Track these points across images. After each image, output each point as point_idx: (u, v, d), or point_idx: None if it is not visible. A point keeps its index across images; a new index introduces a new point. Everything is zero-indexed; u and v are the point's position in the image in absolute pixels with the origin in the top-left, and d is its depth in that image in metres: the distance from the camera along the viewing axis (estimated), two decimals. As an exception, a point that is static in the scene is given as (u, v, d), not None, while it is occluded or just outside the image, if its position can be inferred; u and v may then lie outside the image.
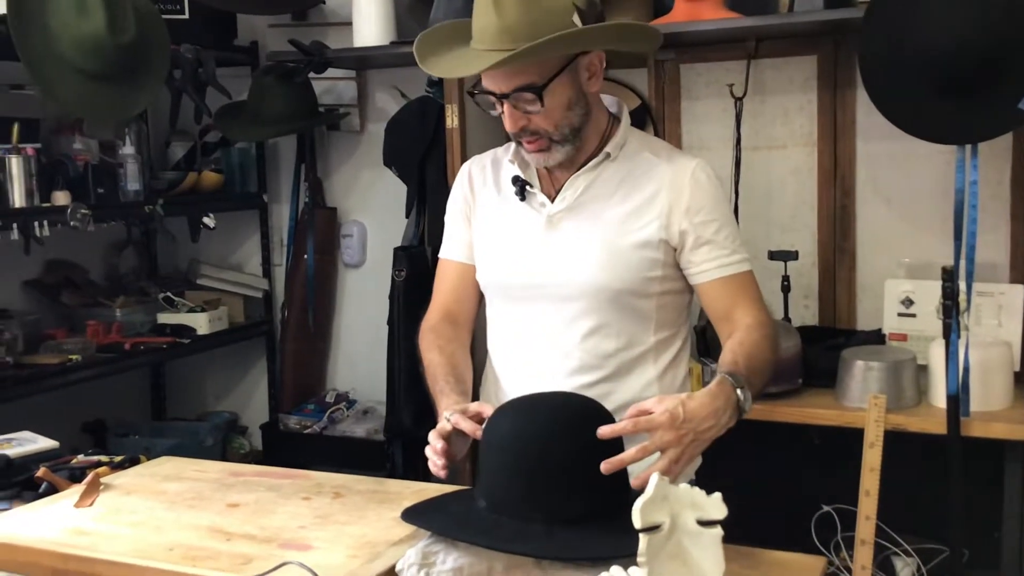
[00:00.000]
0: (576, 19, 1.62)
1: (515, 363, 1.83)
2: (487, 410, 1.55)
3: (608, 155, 1.75)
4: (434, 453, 1.54)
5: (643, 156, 1.77)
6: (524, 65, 1.61)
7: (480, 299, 1.91)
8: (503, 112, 1.68)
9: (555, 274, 1.74)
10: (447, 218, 1.94)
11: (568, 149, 1.71)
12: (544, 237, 1.77)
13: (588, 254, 1.73)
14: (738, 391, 1.54)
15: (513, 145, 1.81)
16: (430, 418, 1.72)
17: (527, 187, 1.78)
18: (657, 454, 1.45)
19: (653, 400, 1.51)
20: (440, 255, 1.95)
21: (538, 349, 1.77)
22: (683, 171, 1.74)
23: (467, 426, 1.54)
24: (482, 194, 1.87)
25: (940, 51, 2.27)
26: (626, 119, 1.80)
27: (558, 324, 1.75)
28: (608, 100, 1.81)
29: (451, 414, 1.58)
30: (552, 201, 1.77)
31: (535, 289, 1.77)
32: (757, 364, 1.63)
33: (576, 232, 1.75)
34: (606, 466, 1.37)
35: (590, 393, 1.64)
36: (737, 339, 1.68)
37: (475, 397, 1.81)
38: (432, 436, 1.57)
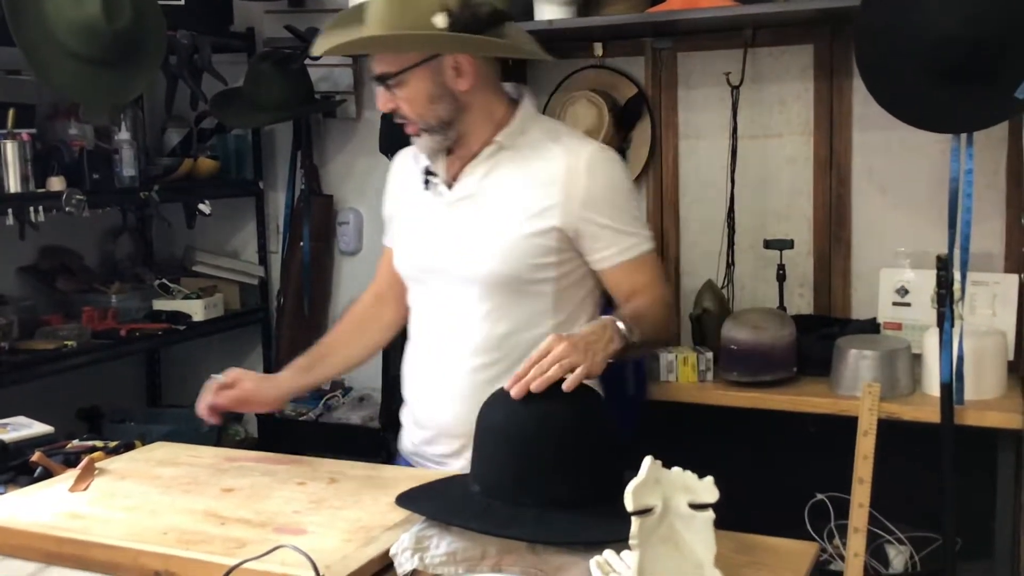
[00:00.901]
0: (440, 19, 1.69)
1: (422, 343, 1.94)
2: (245, 382, 1.87)
3: (500, 145, 1.82)
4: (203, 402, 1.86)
5: (543, 144, 1.82)
6: (384, 53, 1.75)
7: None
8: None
9: (452, 259, 1.83)
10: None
11: (439, 139, 1.80)
12: (443, 223, 1.85)
13: (481, 241, 1.80)
14: (617, 322, 1.63)
15: None
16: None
17: (431, 175, 1.88)
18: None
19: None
20: (384, 242, 2.09)
21: (441, 331, 1.88)
22: (579, 160, 1.79)
23: (208, 396, 1.86)
24: (405, 185, 1.97)
25: (936, 40, 2.26)
26: (527, 107, 1.86)
27: (457, 307, 1.84)
28: (511, 89, 1.88)
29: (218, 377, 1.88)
30: (450, 189, 1.85)
31: (435, 273, 1.87)
32: (642, 312, 1.73)
33: (472, 219, 1.82)
34: (515, 391, 1.44)
35: (487, 374, 1.79)
36: (632, 303, 1.78)
37: (387, 379, 2.06)
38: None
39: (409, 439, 2.00)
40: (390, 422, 3.26)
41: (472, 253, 1.80)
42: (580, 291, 1.86)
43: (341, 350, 2.05)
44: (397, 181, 2.01)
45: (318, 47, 1.81)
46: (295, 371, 1.98)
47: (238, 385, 1.88)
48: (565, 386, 1.47)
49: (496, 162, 1.82)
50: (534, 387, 1.44)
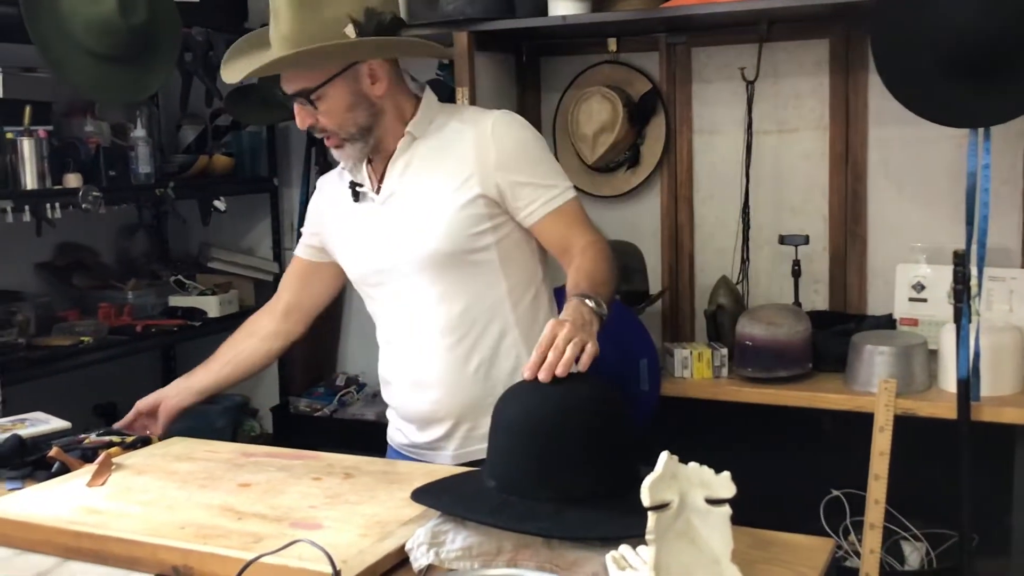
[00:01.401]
0: (350, 30, 1.74)
1: (392, 341, 1.98)
2: (164, 407, 2.06)
3: (412, 136, 1.88)
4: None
5: (450, 127, 1.89)
6: (299, 71, 1.78)
7: (323, 293, 2.11)
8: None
9: (396, 254, 1.88)
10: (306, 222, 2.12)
11: (360, 146, 1.86)
12: (379, 224, 1.91)
13: (416, 227, 1.85)
14: (587, 301, 1.66)
15: None
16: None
17: (358, 187, 1.94)
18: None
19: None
20: (295, 253, 2.15)
21: (405, 324, 1.92)
22: (484, 128, 1.85)
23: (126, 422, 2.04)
24: (334, 202, 2.01)
25: (953, 34, 2.25)
26: (429, 97, 1.92)
27: (414, 297, 1.89)
28: (414, 85, 1.93)
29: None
30: (378, 192, 1.91)
31: (384, 273, 1.92)
32: (599, 278, 1.77)
33: (403, 211, 1.88)
34: (543, 374, 1.46)
35: (458, 352, 1.87)
36: (575, 266, 1.82)
37: (374, 376, 2.13)
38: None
39: (400, 434, 2.03)
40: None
41: (412, 241, 1.85)
42: (524, 251, 1.91)
43: (228, 357, 2.14)
44: (324, 202, 2.05)
45: (230, 75, 1.87)
46: (192, 391, 2.12)
47: (161, 403, 2.06)
48: (581, 365, 1.50)
49: (412, 154, 1.88)
50: (559, 371, 1.47)
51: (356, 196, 1.94)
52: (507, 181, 1.83)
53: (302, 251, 2.11)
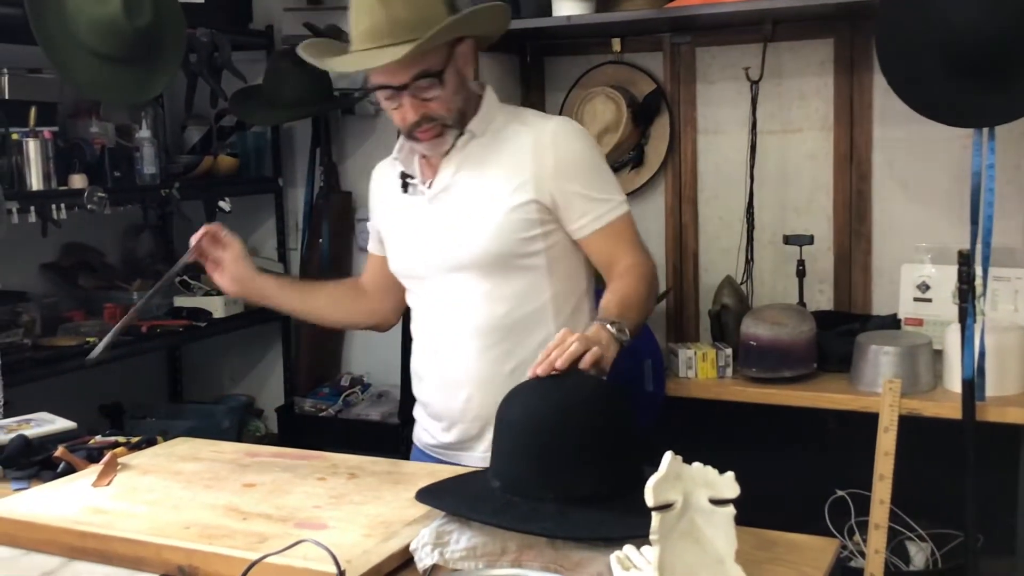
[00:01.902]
0: (445, 9, 1.75)
1: (427, 338, 1.97)
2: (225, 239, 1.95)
3: (472, 134, 1.85)
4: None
5: (510, 128, 1.87)
6: (422, 54, 1.71)
7: (390, 285, 2.04)
8: (399, 106, 1.78)
9: (443, 250, 1.86)
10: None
11: (456, 133, 1.83)
12: (428, 220, 1.89)
13: (467, 226, 1.84)
14: (608, 326, 1.66)
15: (398, 144, 1.94)
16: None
17: (408, 179, 1.92)
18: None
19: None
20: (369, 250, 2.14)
21: (444, 321, 1.90)
22: (544, 133, 1.84)
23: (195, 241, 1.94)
24: (387, 195, 2.00)
25: (958, 33, 2.25)
26: (491, 96, 1.90)
27: (456, 294, 1.87)
28: (473, 84, 1.91)
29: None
30: (429, 186, 1.89)
31: (430, 267, 1.90)
32: (631, 302, 1.76)
33: (455, 208, 1.86)
34: (541, 369, 1.49)
35: (494, 354, 1.85)
36: (611, 287, 1.82)
37: (406, 374, 2.15)
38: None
39: (427, 434, 2.02)
40: (410, 418, 3.28)
41: (461, 239, 1.84)
42: (572, 261, 1.90)
43: (322, 299, 2.11)
44: (379, 193, 2.04)
45: (355, 65, 1.79)
46: (274, 279, 2.07)
47: (227, 249, 1.98)
48: (583, 363, 1.51)
49: (468, 151, 1.86)
50: (560, 364, 1.48)
51: (405, 187, 1.92)
52: (561, 190, 1.81)
53: (371, 245, 2.11)
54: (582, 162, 1.85)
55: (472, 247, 1.83)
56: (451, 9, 1.76)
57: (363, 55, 1.75)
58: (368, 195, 2.10)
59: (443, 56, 1.75)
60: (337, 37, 3.18)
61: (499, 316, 1.85)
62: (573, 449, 1.38)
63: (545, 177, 1.81)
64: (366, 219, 3.58)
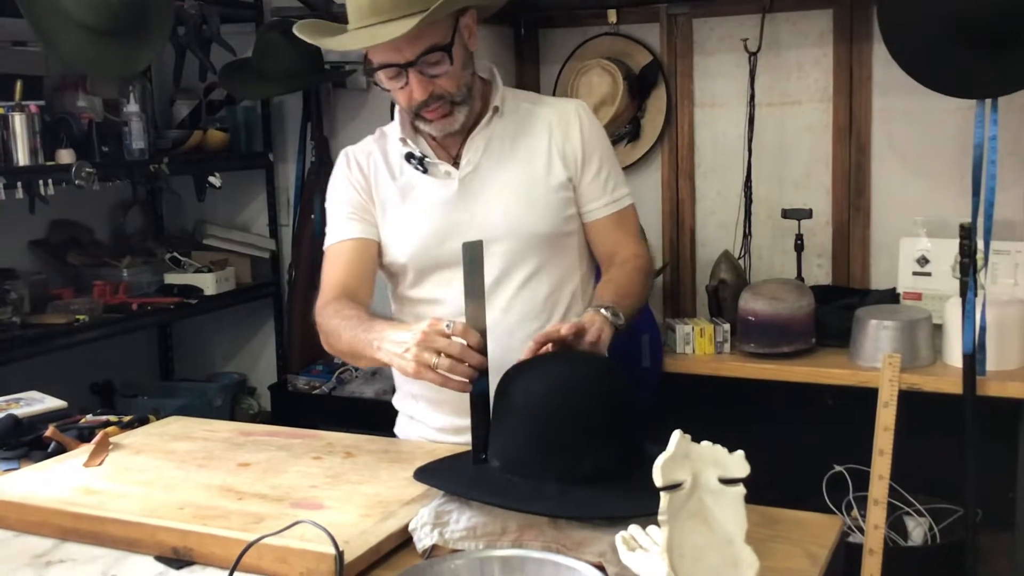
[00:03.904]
0: None
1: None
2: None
3: (496, 110, 1.80)
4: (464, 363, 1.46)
5: (523, 108, 1.83)
6: (427, 28, 1.62)
7: (371, 273, 1.85)
8: (404, 85, 1.68)
9: (481, 232, 1.69)
10: (329, 206, 1.87)
11: (466, 110, 1.74)
12: (459, 201, 1.78)
13: (511, 205, 1.77)
14: (603, 310, 1.64)
15: (392, 128, 1.85)
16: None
17: (426, 159, 1.80)
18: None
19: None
20: (327, 244, 1.86)
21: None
22: (567, 111, 1.82)
23: (474, 338, 1.47)
24: (376, 180, 1.84)
25: (962, 3, 2.22)
26: (498, 77, 1.84)
27: (490, 280, 1.70)
28: (477, 65, 1.82)
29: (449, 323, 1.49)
30: (456, 167, 1.79)
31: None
32: (626, 290, 1.73)
33: (492, 188, 1.78)
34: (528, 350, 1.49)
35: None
36: (608, 276, 1.80)
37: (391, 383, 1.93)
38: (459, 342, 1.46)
39: (425, 425, 1.90)
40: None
41: (506, 219, 1.76)
42: (586, 243, 1.88)
43: None
44: (363, 176, 1.84)
45: (355, 42, 1.67)
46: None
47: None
48: (585, 341, 1.52)
49: (492, 130, 1.80)
50: (564, 329, 1.50)
51: (424, 168, 1.80)
52: (585, 167, 1.80)
53: (347, 231, 1.83)
54: (603, 145, 1.84)
55: (518, 226, 1.76)
56: None
57: (366, 31, 1.65)
58: (336, 180, 1.88)
59: (449, 29, 1.67)
60: (326, 9, 3.17)
61: (541, 300, 1.80)
62: (574, 427, 1.36)
63: (574, 156, 1.79)
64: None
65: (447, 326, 1.49)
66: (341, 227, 1.85)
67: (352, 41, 1.68)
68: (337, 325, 1.71)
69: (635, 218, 1.88)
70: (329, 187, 1.89)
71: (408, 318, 1.85)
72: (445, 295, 1.80)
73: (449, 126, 1.75)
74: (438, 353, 1.46)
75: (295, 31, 1.79)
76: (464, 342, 1.47)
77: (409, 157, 1.81)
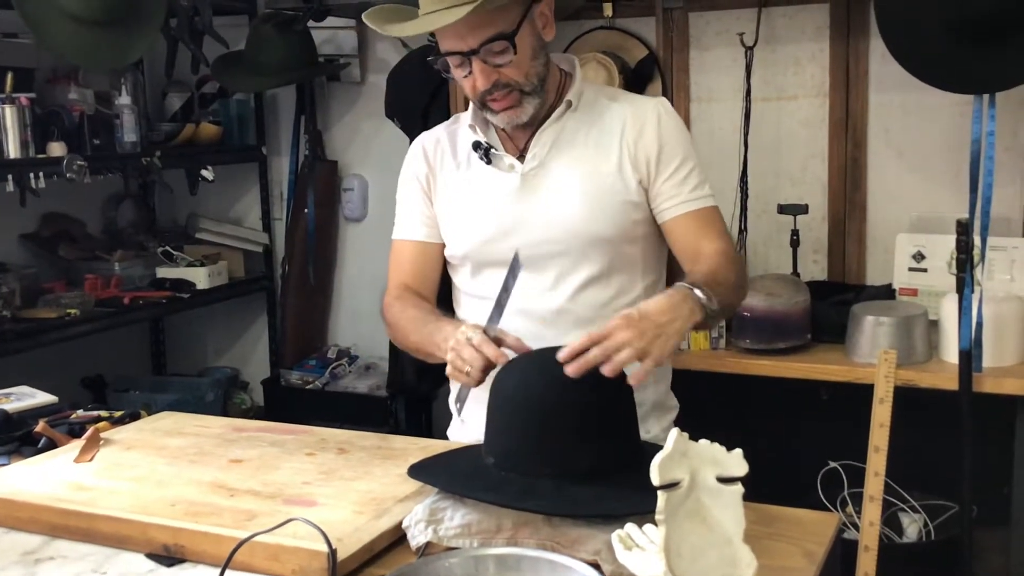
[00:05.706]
0: None
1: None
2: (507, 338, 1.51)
3: (570, 104, 1.73)
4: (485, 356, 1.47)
5: (601, 103, 1.75)
6: (491, 16, 1.57)
7: (437, 276, 1.84)
8: (469, 73, 1.63)
9: (541, 230, 1.70)
10: (399, 197, 1.87)
11: (536, 102, 1.68)
12: (521, 197, 1.72)
13: (574, 206, 1.69)
14: (695, 290, 1.51)
15: (465, 115, 1.79)
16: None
17: (491, 150, 1.74)
18: (637, 364, 1.40)
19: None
20: (395, 236, 1.87)
21: (530, 312, 1.71)
22: (645, 108, 1.73)
23: (490, 351, 1.47)
24: (441, 168, 1.81)
25: (959, -3, 2.20)
26: (579, 71, 1.78)
27: (547, 282, 1.71)
28: (557, 57, 1.78)
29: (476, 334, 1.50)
30: (521, 160, 1.73)
31: (523, 249, 1.65)
32: (718, 278, 1.59)
33: (556, 186, 1.71)
34: (570, 365, 1.35)
35: None
36: (697, 264, 1.66)
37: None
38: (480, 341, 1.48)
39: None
40: (397, 392, 3.25)
41: (567, 220, 1.69)
42: (660, 252, 1.79)
43: None
44: (428, 167, 1.81)
45: (416, 29, 1.63)
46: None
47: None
48: (632, 380, 1.38)
49: (563, 124, 1.73)
50: (606, 371, 1.35)
51: (488, 159, 1.73)
52: (658, 165, 1.70)
53: (412, 230, 1.83)
54: (683, 144, 1.73)
55: (579, 229, 1.68)
56: None
57: (424, 18, 1.61)
58: (405, 171, 1.85)
59: (516, 17, 1.60)
60: (320, 2, 3.15)
61: (598, 306, 1.70)
62: (568, 424, 1.35)
63: (646, 157, 1.70)
64: (351, 188, 3.60)
65: (469, 338, 1.50)
66: (407, 226, 1.85)
67: (411, 27, 1.64)
68: (407, 318, 1.75)
69: (719, 220, 1.75)
70: (401, 173, 1.87)
71: (463, 313, 1.82)
72: (486, 294, 1.72)
73: (516, 117, 1.68)
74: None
75: (364, 19, 1.71)
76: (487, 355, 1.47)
77: (476, 146, 1.75)
